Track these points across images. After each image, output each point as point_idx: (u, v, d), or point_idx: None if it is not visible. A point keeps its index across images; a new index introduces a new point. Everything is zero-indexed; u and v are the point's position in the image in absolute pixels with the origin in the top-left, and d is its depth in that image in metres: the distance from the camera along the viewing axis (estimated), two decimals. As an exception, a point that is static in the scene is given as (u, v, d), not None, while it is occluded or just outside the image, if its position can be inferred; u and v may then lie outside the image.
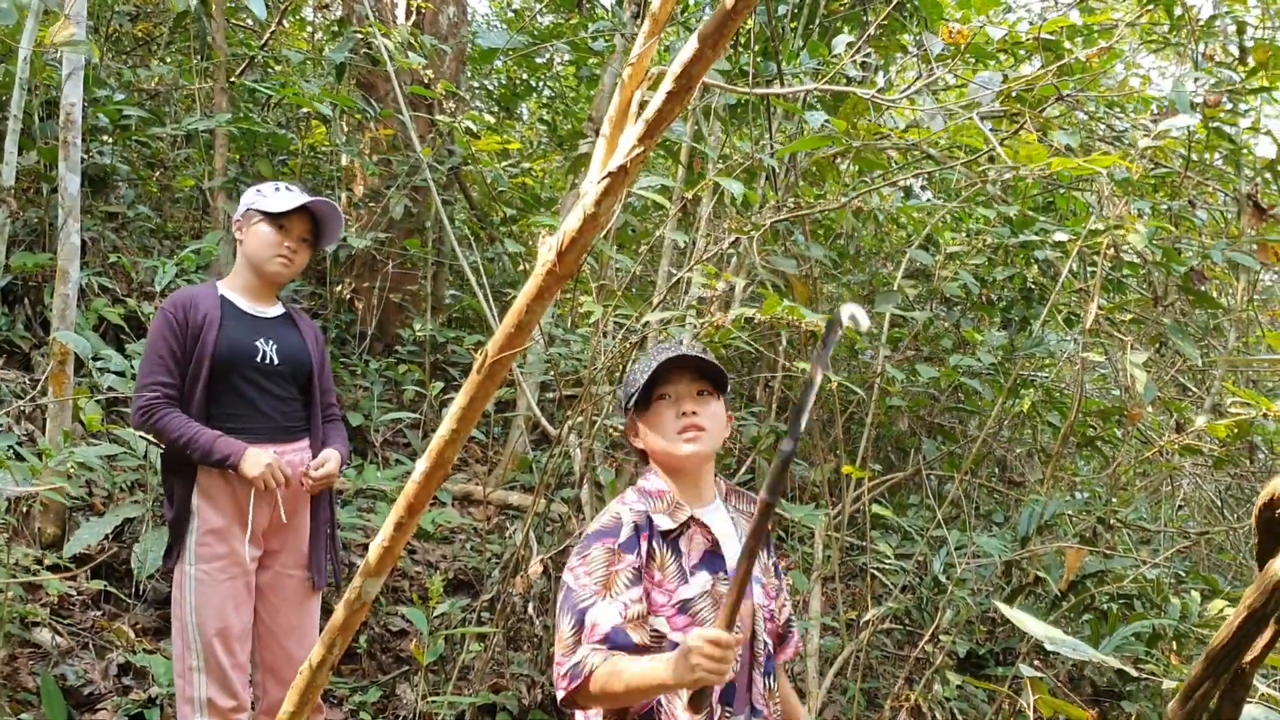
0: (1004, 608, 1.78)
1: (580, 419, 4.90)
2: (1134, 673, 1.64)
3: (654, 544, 2.19)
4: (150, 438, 3.54)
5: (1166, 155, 5.99)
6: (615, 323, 5.14)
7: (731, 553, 2.25)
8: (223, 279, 3.45)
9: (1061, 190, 6.51)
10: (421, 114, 6.90)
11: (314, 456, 3.41)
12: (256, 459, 3.10)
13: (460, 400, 1.51)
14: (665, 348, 2.32)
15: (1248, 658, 1.09)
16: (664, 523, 2.21)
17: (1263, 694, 1.79)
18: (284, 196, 3.34)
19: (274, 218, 3.31)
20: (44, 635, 3.88)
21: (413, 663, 4.53)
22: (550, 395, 6.42)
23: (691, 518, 2.24)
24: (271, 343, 3.34)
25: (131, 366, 4.47)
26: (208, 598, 3.15)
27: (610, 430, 5.98)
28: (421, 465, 1.57)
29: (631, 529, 2.17)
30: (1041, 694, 1.79)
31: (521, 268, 7.98)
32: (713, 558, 2.22)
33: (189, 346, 3.18)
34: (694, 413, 2.24)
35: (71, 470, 3.86)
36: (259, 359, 3.29)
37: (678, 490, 2.28)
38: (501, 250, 8.06)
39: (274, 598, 3.38)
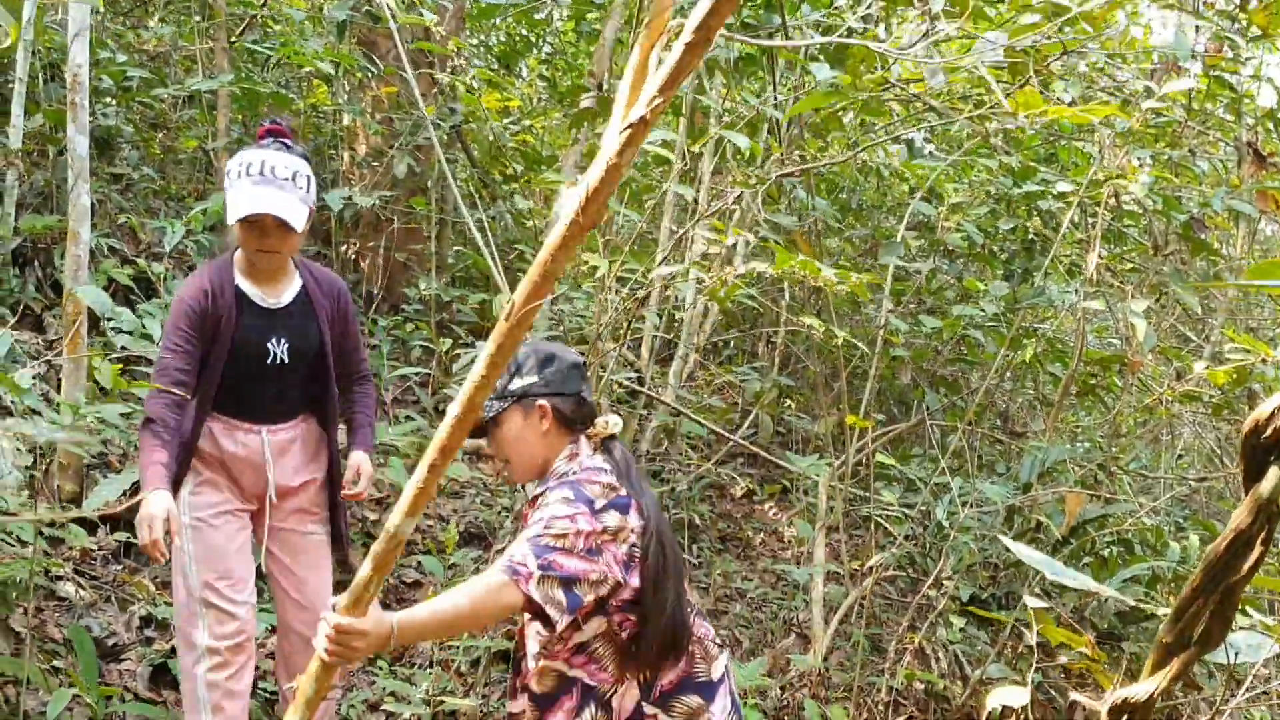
0: (1008, 542, 1.84)
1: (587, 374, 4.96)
2: (1131, 602, 1.70)
3: None
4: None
5: (1168, 105, 6.01)
6: (620, 278, 5.18)
7: None
8: (236, 254, 3.24)
9: (1063, 141, 6.54)
10: (423, 72, 6.91)
11: (325, 429, 3.41)
12: (145, 518, 2.86)
13: (489, 348, 1.56)
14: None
15: (1235, 577, 1.16)
16: None
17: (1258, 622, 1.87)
18: (241, 194, 3.03)
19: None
20: (68, 589, 3.97)
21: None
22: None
23: None
24: (283, 341, 3.22)
25: (143, 326, 4.53)
26: (207, 542, 3.14)
27: (616, 385, 6.06)
28: (454, 409, 1.63)
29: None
30: (1046, 625, 1.86)
31: (531, 223, 8.01)
32: None
33: (206, 338, 3.10)
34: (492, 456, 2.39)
35: (92, 426, 3.92)
36: (268, 360, 3.20)
37: None
38: (504, 209, 8.09)
39: (289, 557, 3.39)
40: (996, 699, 1.86)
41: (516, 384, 2.46)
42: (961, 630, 4.47)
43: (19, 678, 3.16)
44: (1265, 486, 1.05)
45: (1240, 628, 1.90)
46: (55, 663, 3.50)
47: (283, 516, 3.36)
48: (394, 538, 1.74)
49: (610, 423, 2.51)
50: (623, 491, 2.37)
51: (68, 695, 3.02)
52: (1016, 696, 1.88)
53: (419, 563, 5.03)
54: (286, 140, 3.22)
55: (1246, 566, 1.13)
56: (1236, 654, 1.74)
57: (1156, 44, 7.13)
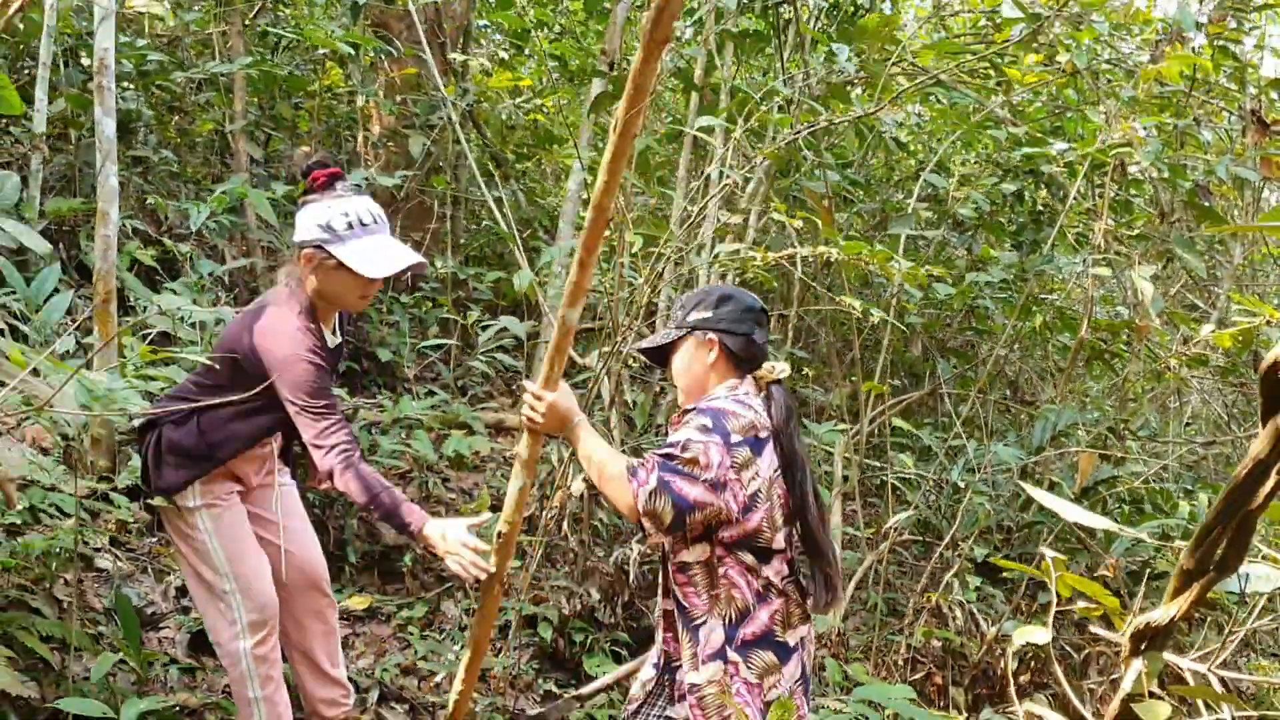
0: (1029, 488, 1.91)
1: (607, 347, 5.06)
2: (1144, 536, 1.79)
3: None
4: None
5: (1175, 75, 6.07)
6: (633, 254, 5.26)
7: None
8: (301, 292, 3.07)
9: (1069, 114, 6.60)
10: (435, 54, 6.98)
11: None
12: (454, 549, 2.76)
13: (606, 158, 2.04)
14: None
15: (1253, 505, 1.24)
16: None
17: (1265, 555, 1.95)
18: (370, 252, 2.94)
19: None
20: (105, 561, 4.08)
21: (454, 581, 4.74)
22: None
23: None
24: (335, 377, 3.21)
25: (176, 308, 4.62)
26: (225, 520, 3.14)
27: (633, 359, 6.15)
28: (590, 215, 2.10)
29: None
30: (1062, 572, 1.94)
31: (549, 197, 8.09)
32: None
33: None
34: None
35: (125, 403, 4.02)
36: None
37: None
38: (516, 187, 8.17)
39: (270, 510, 3.35)
40: (1021, 637, 1.94)
41: (694, 316, 2.67)
42: (977, 589, 4.57)
43: (66, 642, 3.26)
44: None
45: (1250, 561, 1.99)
46: (100, 629, 3.61)
47: (262, 476, 3.38)
48: (564, 325, 2.32)
49: (778, 368, 2.68)
50: (763, 434, 2.51)
51: (112, 659, 3.12)
52: (1040, 635, 1.95)
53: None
54: (354, 183, 3.14)
55: (1264, 494, 1.21)
56: (1247, 583, 1.82)
57: (1160, 16, 7.19)
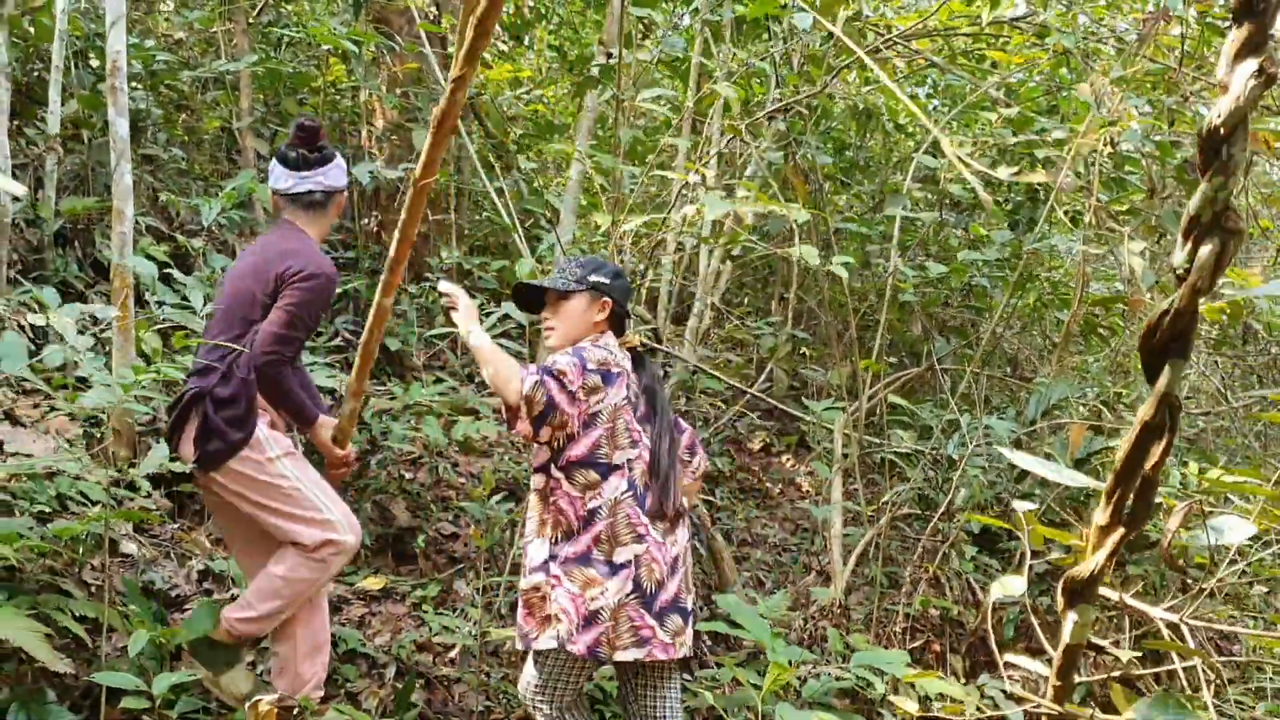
0: (1008, 452, 2.02)
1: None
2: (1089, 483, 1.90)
3: None
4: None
5: (1163, 52, 6.16)
6: (624, 234, 5.38)
7: None
8: (303, 236, 3.54)
9: (1063, 93, 6.70)
10: (436, 49, 7.10)
11: None
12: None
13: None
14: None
15: (1149, 465, 1.36)
16: None
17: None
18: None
19: None
20: (130, 547, 4.23)
21: (465, 561, 4.89)
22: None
23: None
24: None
25: (186, 299, 4.76)
26: (305, 464, 3.44)
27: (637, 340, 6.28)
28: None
29: None
30: (1034, 525, 2.05)
31: (542, 181, 8.23)
32: None
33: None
34: (545, 318, 3.29)
35: (146, 394, 4.16)
36: None
37: None
38: (518, 177, 8.29)
39: None
40: (1000, 588, 2.05)
41: (594, 278, 3.25)
42: (973, 560, 4.70)
43: (98, 622, 3.41)
44: (1162, 382, 1.26)
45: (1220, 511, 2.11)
46: (130, 608, 3.76)
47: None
48: (380, 311, 2.74)
49: (638, 337, 3.37)
50: (614, 370, 3.15)
51: (145, 636, 3.27)
52: (1015, 585, 2.07)
53: (456, 515, 5.28)
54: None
55: (1158, 453, 1.34)
56: (1220, 535, 1.94)
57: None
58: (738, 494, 6.64)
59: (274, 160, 3.67)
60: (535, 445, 3.16)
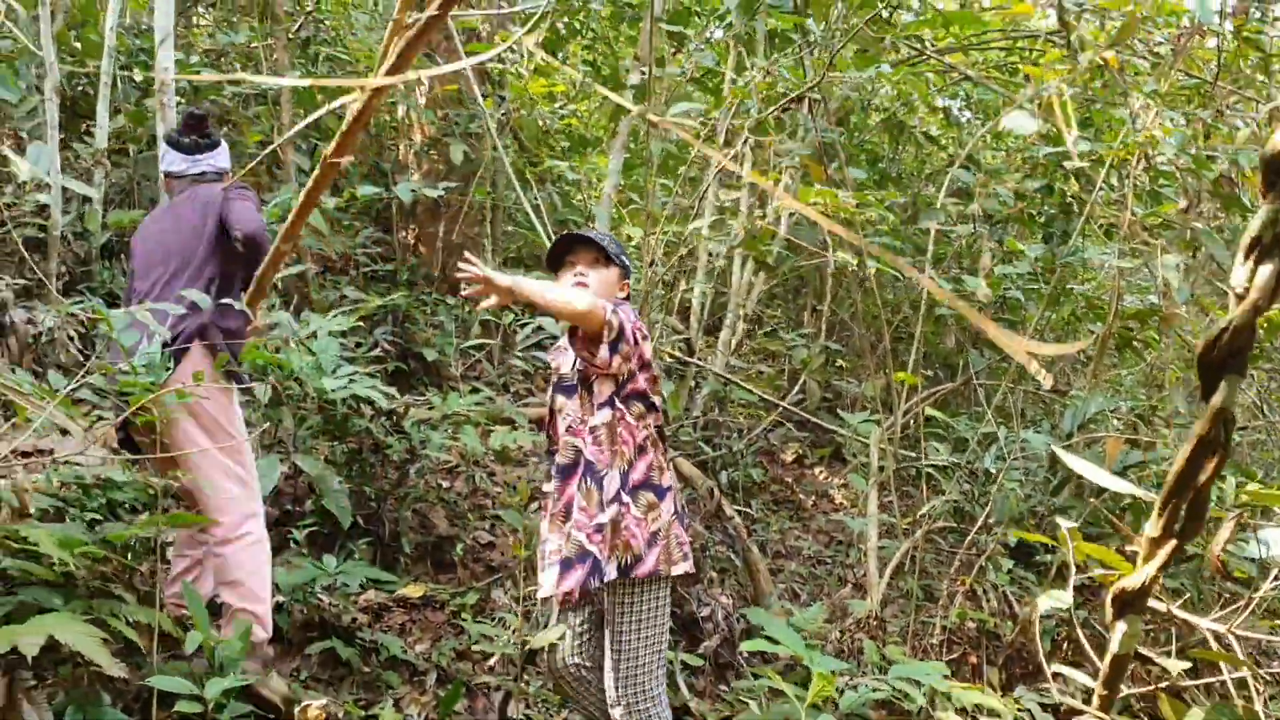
0: (1061, 451, 2.04)
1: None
2: (1146, 497, 1.93)
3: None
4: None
5: (1198, 66, 6.16)
6: (659, 245, 5.44)
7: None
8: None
9: (1097, 105, 6.70)
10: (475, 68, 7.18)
11: None
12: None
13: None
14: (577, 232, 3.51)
15: (1202, 479, 1.39)
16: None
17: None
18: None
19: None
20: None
21: (502, 570, 4.94)
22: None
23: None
24: None
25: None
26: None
27: (666, 354, 6.33)
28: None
29: None
30: (1078, 541, 2.08)
31: (579, 197, 8.30)
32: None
33: None
34: (582, 272, 3.37)
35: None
36: None
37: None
38: (552, 190, 8.38)
39: None
40: (1046, 601, 2.07)
41: (624, 261, 3.49)
42: (1010, 573, 4.71)
43: (150, 628, 3.48)
44: (1218, 398, 1.29)
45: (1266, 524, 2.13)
46: (183, 612, 3.84)
47: None
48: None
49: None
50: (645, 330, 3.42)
51: (199, 637, 3.34)
52: (1062, 598, 2.08)
53: (492, 524, 5.35)
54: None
55: (1211, 468, 1.37)
56: (1268, 548, 1.96)
57: (1188, 8, 7.25)
58: (771, 506, 6.67)
59: (166, 146, 4.11)
60: (587, 390, 3.31)
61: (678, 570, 3.28)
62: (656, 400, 3.39)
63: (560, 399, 3.37)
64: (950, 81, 7.67)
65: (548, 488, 3.42)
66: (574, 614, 3.44)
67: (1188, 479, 1.36)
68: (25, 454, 4.38)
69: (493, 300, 3.12)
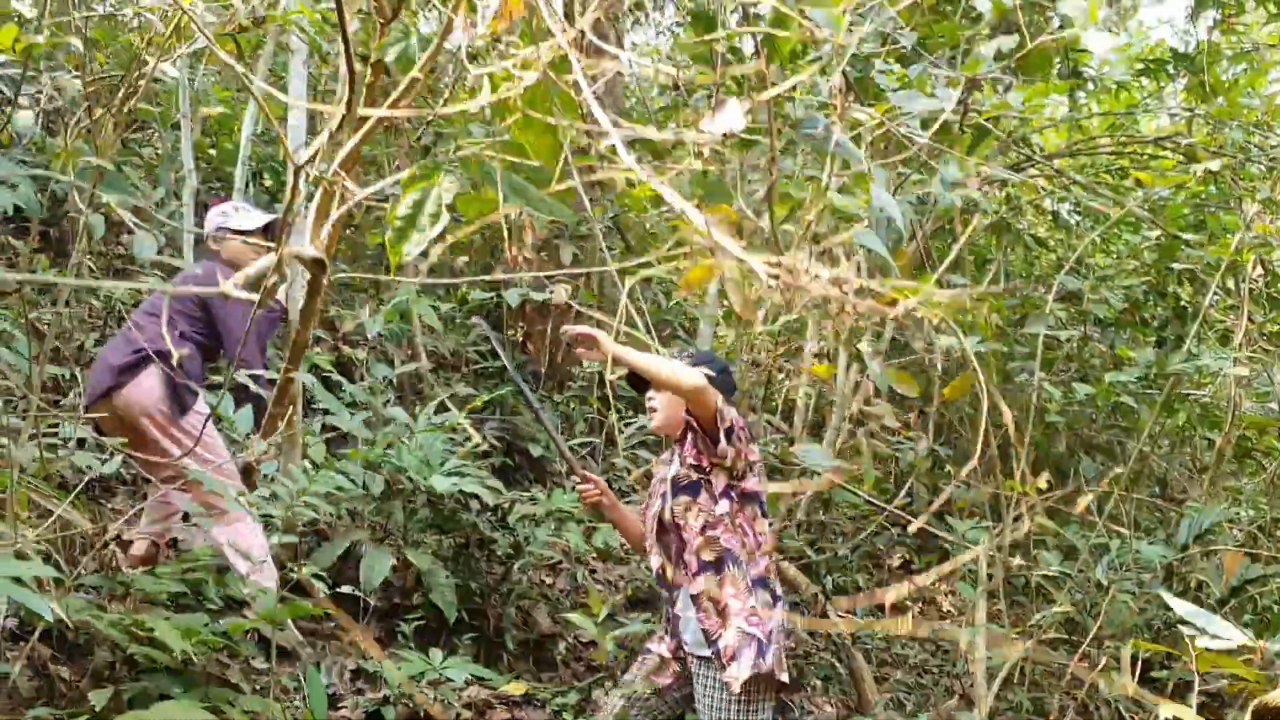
0: (1166, 596, 2.02)
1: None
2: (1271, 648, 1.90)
3: None
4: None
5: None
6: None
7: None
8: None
9: (1211, 209, 6.62)
10: (583, 173, 7.41)
11: None
12: None
13: None
14: None
15: None
16: None
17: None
18: (245, 219, 4.60)
19: None
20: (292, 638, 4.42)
21: (604, 670, 4.95)
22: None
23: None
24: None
25: (351, 410, 5.04)
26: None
27: (769, 455, 6.33)
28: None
29: None
30: (1201, 655, 2.02)
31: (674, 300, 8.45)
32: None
33: None
34: (650, 397, 3.53)
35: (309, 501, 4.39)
36: None
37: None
38: (656, 290, 8.52)
39: None
40: (1167, 712, 2.03)
41: (703, 369, 3.39)
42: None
43: (265, 717, 3.58)
44: None
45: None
46: (291, 704, 3.93)
47: None
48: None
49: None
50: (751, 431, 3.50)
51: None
52: (1185, 713, 2.04)
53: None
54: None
55: None
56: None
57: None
58: (876, 613, 6.55)
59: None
60: (707, 483, 3.37)
61: (782, 676, 3.29)
62: (765, 506, 3.46)
63: (683, 499, 3.40)
64: (1059, 185, 7.65)
65: (694, 589, 3.41)
66: (658, 696, 3.53)
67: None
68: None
69: (595, 354, 3.39)
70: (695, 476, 3.38)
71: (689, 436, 3.40)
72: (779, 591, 3.42)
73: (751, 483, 3.39)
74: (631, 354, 3.23)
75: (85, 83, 3.91)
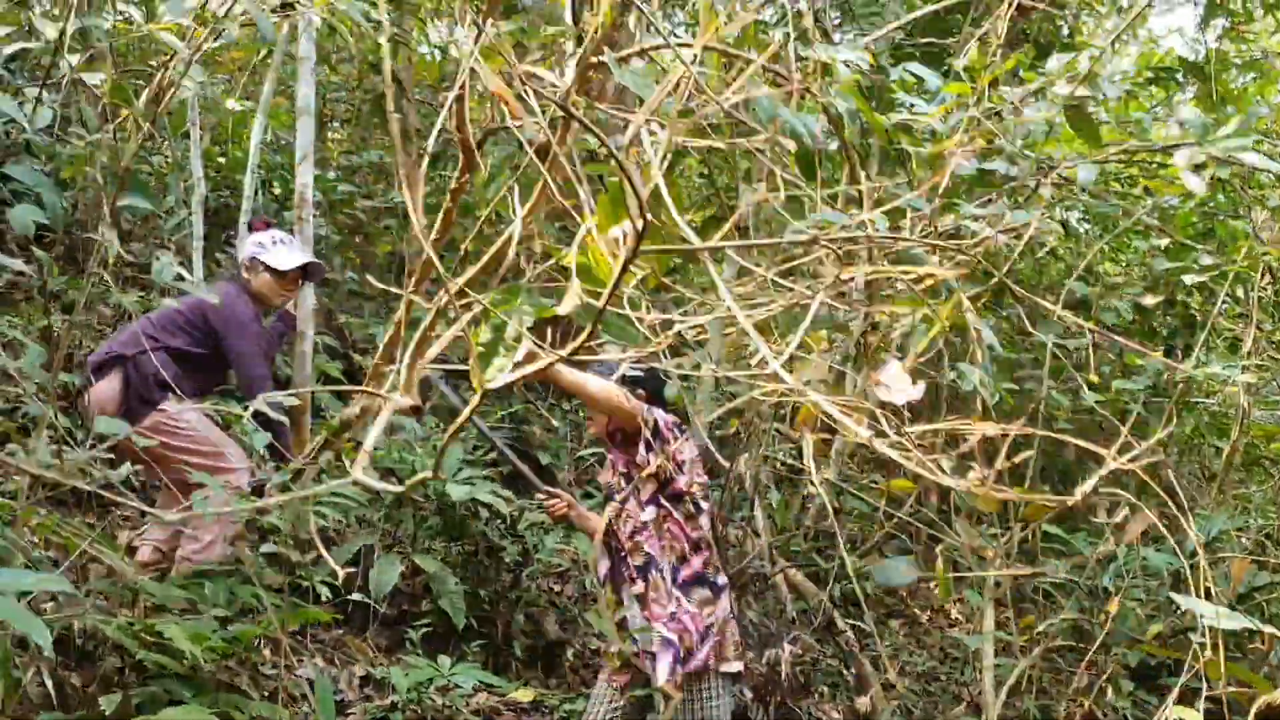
0: (1175, 595, 2.03)
1: (747, 453, 5.29)
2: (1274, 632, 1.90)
3: None
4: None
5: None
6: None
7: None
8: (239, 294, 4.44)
9: (1220, 217, 6.61)
10: (596, 187, 7.43)
11: None
12: None
13: None
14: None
15: None
16: None
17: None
18: (283, 257, 4.47)
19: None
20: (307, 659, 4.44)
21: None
22: (718, 432, 6.83)
23: None
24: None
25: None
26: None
27: (777, 463, 6.35)
28: None
29: None
30: (1211, 662, 2.02)
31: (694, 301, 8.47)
32: None
33: None
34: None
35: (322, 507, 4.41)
36: None
37: None
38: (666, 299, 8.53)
39: None
40: (1176, 712, 2.02)
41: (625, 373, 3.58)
42: (1131, 695, 4.55)
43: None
44: None
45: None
46: (303, 708, 3.95)
47: None
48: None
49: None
50: (679, 426, 3.56)
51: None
52: (1194, 717, 2.04)
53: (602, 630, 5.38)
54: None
55: None
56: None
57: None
58: (884, 620, 6.55)
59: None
60: (633, 492, 3.50)
61: (728, 668, 3.44)
62: (704, 504, 3.55)
63: (615, 505, 3.57)
64: (1068, 194, 7.64)
65: (635, 590, 3.53)
66: (620, 694, 3.63)
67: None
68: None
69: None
70: (624, 484, 3.54)
71: (618, 445, 3.56)
72: (720, 582, 3.52)
73: (682, 481, 3.47)
74: (564, 372, 3.30)
75: (110, 79, 3.89)
